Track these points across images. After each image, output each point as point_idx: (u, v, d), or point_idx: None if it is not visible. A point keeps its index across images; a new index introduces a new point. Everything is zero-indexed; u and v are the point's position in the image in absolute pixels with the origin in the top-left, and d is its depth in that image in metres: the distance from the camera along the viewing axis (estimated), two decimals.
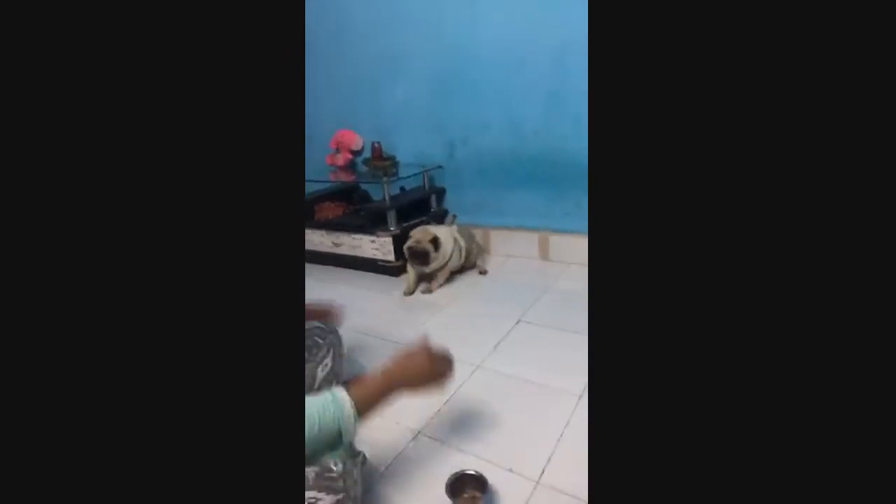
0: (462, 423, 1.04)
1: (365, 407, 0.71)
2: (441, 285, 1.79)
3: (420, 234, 1.73)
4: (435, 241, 1.71)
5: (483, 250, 1.99)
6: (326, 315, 1.11)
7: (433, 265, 1.74)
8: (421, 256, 1.71)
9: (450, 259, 1.76)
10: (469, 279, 1.83)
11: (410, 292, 1.78)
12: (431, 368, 0.81)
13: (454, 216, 2.03)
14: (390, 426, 1.03)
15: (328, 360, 0.99)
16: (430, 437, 1.00)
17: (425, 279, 1.81)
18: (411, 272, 1.80)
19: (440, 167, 2.07)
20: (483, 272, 1.89)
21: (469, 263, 1.89)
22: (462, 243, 1.82)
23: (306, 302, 1.04)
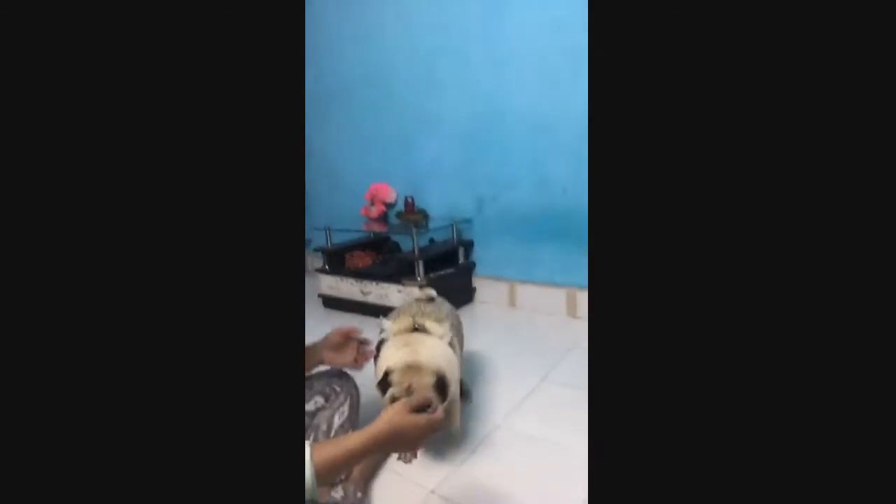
0: (478, 485, 0.99)
1: (328, 470, 0.63)
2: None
3: (409, 373, 0.89)
4: (441, 385, 0.90)
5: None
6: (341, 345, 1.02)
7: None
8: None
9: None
10: (493, 329, 1.80)
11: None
12: (413, 441, 0.74)
13: (423, 284, 1.43)
14: (399, 481, 1.00)
15: (345, 408, 0.99)
16: (443, 498, 0.96)
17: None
18: None
19: (469, 220, 2.12)
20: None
21: None
22: (458, 346, 1.10)
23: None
